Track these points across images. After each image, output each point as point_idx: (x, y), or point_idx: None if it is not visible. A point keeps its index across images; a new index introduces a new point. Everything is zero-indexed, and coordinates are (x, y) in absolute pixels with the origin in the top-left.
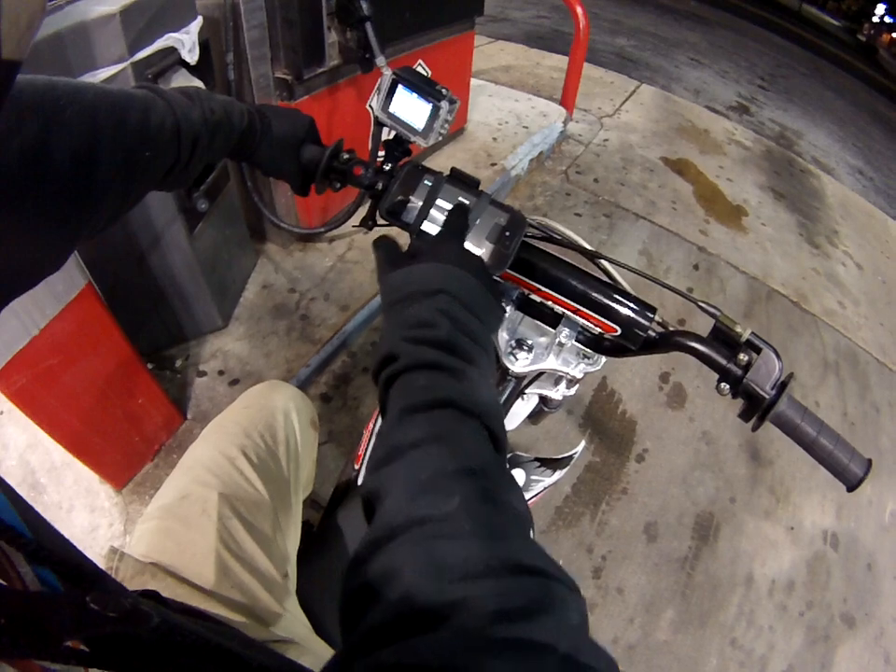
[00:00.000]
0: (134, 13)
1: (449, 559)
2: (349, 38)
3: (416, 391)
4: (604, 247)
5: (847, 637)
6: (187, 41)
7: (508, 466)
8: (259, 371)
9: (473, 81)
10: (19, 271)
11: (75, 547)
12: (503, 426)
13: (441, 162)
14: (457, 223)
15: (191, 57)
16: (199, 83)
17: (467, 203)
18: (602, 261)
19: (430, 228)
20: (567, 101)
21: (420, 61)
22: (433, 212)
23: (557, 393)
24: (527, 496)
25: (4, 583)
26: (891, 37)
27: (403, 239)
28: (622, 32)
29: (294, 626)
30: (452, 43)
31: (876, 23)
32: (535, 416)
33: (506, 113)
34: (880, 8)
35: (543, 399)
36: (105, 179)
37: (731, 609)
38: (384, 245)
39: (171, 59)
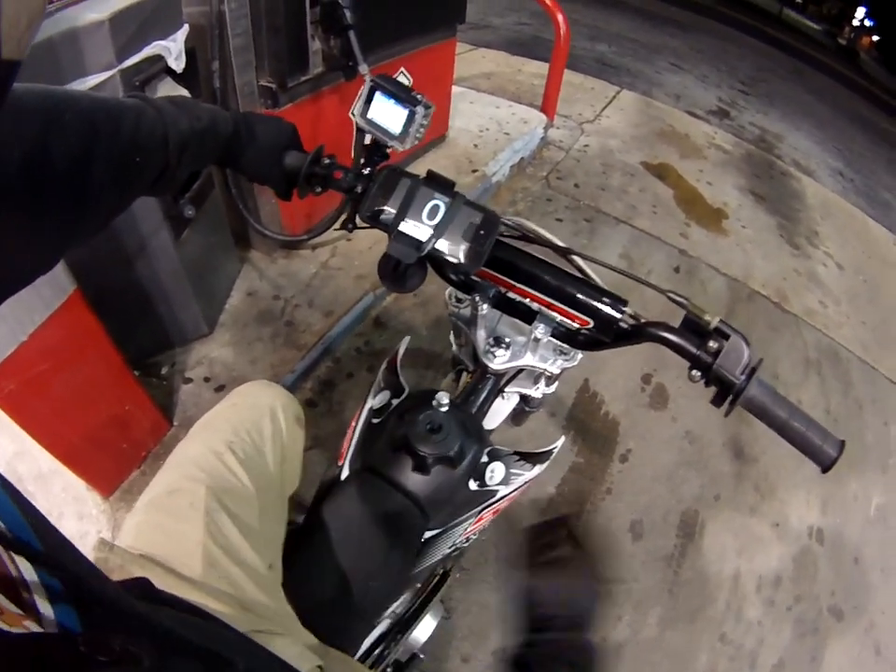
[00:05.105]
0: (123, 20)
1: None
2: (333, 46)
3: None
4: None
5: (837, 629)
6: (174, 49)
7: (487, 459)
8: (244, 378)
9: (455, 88)
10: (14, 271)
11: (86, 559)
12: None
13: (422, 168)
14: None
15: (178, 65)
16: (184, 91)
17: (442, 204)
18: (574, 257)
19: (408, 228)
20: (547, 107)
21: (402, 68)
22: (410, 213)
23: (537, 391)
24: (508, 490)
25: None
26: (871, 40)
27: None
28: (602, 38)
29: (280, 616)
30: (434, 50)
31: (857, 27)
32: (517, 417)
33: (487, 119)
34: (860, 12)
35: (524, 399)
36: (100, 183)
37: (719, 605)
38: None
39: (158, 67)
